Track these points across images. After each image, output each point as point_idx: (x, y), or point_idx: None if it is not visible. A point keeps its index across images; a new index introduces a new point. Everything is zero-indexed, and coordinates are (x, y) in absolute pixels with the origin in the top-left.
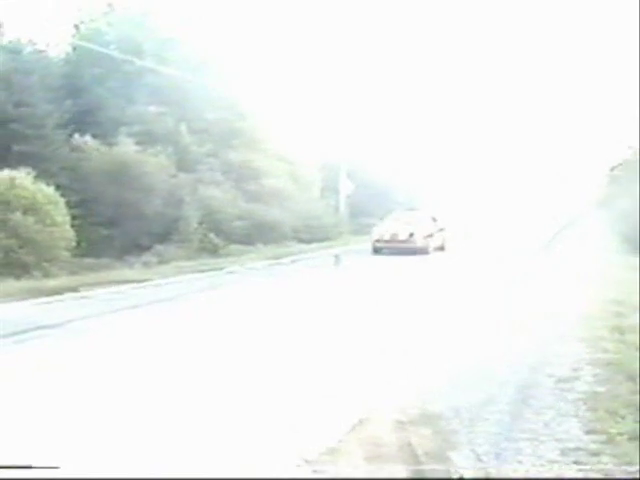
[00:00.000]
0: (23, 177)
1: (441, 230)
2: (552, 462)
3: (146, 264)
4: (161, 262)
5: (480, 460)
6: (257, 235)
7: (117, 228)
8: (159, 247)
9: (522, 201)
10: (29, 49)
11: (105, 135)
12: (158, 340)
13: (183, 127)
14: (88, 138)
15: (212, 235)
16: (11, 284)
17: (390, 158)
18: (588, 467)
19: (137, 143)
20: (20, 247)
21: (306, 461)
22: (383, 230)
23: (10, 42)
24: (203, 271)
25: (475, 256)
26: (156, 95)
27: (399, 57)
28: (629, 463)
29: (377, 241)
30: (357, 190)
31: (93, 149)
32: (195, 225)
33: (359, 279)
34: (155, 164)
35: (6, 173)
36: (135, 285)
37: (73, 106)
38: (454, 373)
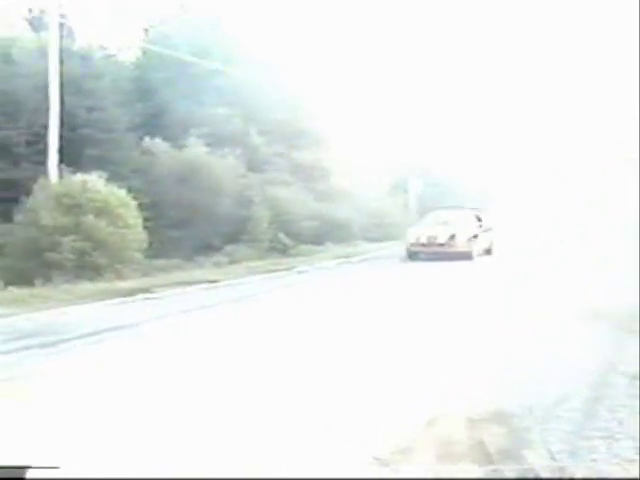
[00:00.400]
0: (95, 180)
1: (488, 231)
2: (630, 461)
3: (217, 265)
4: (231, 262)
5: (554, 459)
6: (326, 234)
7: (188, 229)
8: (229, 247)
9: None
10: (99, 54)
11: (175, 137)
12: (225, 339)
13: (252, 128)
14: (158, 141)
15: (282, 235)
16: (85, 286)
17: (460, 156)
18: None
19: (206, 145)
20: (93, 249)
21: (377, 459)
22: (419, 232)
23: (82, 48)
24: (273, 271)
25: (528, 261)
26: (225, 97)
27: (469, 56)
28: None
29: (412, 245)
30: (426, 188)
31: (163, 151)
32: (265, 225)
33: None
34: (224, 165)
35: (79, 177)
36: (205, 286)
37: (143, 109)
38: None
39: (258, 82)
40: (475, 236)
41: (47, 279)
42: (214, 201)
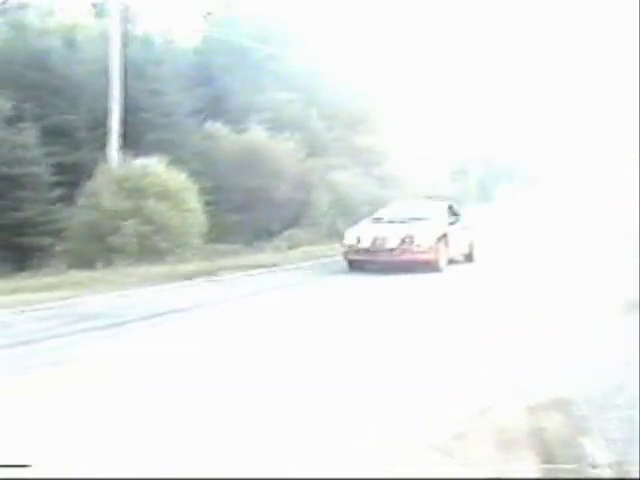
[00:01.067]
0: (156, 164)
1: (465, 229)
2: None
3: (276, 249)
4: (291, 247)
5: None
6: None
7: (248, 214)
8: (289, 232)
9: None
10: (161, 40)
11: (236, 122)
12: (280, 322)
13: (313, 112)
14: (219, 125)
15: (340, 220)
16: (147, 269)
17: (520, 141)
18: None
19: (267, 129)
20: (154, 233)
21: (433, 446)
22: (361, 231)
23: (144, 33)
24: (331, 256)
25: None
26: (286, 81)
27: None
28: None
29: (348, 252)
30: (486, 173)
31: (224, 136)
32: (324, 210)
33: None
34: (285, 149)
35: (140, 161)
36: (263, 270)
37: (204, 94)
38: None
39: (319, 67)
40: (443, 236)
41: (108, 262)
42: (274, 185)
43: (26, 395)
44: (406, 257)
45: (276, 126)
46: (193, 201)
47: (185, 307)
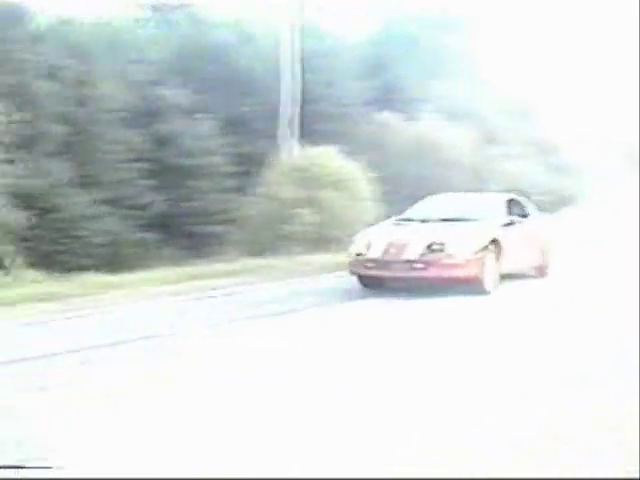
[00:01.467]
0: (332, 154)
1: (536, 232)
2: None
3: None
4: None
5: None
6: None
7: None
8: None
9: None
10: (335, 31)
11: (409, 111)
12: None
13: (485, 103)
14: (392, 115)
15: None
16: (324, 258)
17: None
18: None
19: (442, 119)
20: (328, 222)
21: None
22: (374, 235)
23: (318, 26)
24: None
25: None
26: (459, 71)
27: None
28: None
29: (355, 264)
30: None
31: (397, 125)
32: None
33: None
34: (458, 138)
35: (315, 150)
36: None
37: (379, 84)
38: None
39: (490, 57)
40: (493, 243)
41: (282, 251)
42: (449, 174)
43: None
44: (432, 273)
45: (451, 115)
46: (365, 190)
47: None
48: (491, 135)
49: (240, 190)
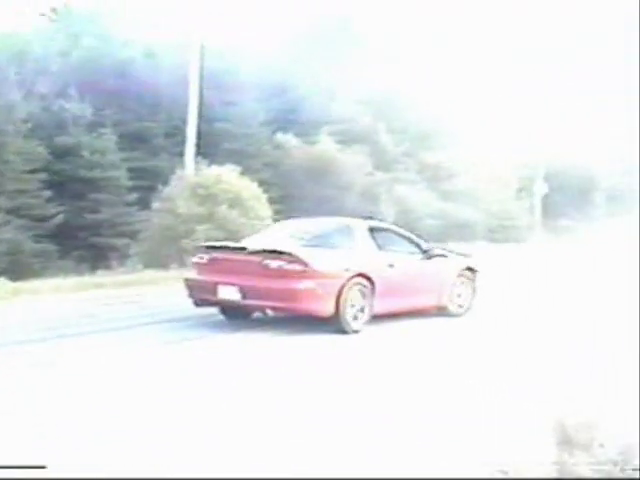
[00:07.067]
0: (229, 173)
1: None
2: None
3: None
4: None
5: None
6: (449, 234)
7: None
8: None
9: None
10: (235, 52)
11: (306, 134)
12: None
13: (381, 127)
14: (290, 136)
15: None
16: None
17: (588, 160)
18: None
19: (337, 142)
20: (226, 239)
21: None
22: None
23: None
24: None
25: None
26: (357, 95)
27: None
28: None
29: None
30: (553, 192)
31: (294, 147)
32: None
33: None
34: (353, 162)
35: (214, 169)
36: None
37: (278, 105)
38: None
39: (389, 82)
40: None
41: (182, 264)
42: (342, 196)
43: None
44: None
45: (346, 139)
46: (263, 209)
47: None
48: (386, 160)
49: (143, 204)
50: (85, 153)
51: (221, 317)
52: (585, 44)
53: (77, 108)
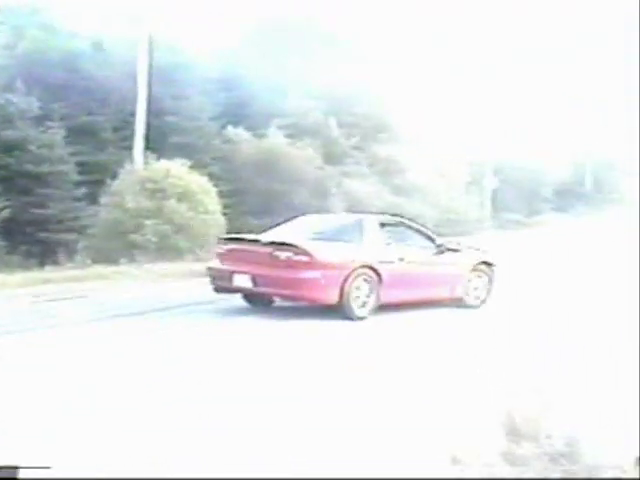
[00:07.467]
0: (178, 167)
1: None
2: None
3: None
4: None
5: None
6: None
7: (266, 217)
8: None
9: None
10: (187, 47)
11: (256, 127)
12: None
13: (332, 121)
14: (240, 130)
15: None
16: (166, 267)
17: (538, 155)
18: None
19: (287, 136)
20: (175, 233)
21: None
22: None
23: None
24: None
25: None
26: (307, 89)
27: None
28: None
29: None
30: (503, 186)
31: (244, 140)
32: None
33: None
34: (303, 156)
35: (162, 163)
36: None
37: (227, 99)
38: None
39: (340, 76)
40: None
41: (130, 259)
42: (292, 190)
43: None
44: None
45: (296, 133)
46: (213, 203)
47: (201, 301)
48: (336, 153)
49: (91, 199)
50: (32, 147)
51: (178, 309)
52: (530, 38)
53: (24, 102)
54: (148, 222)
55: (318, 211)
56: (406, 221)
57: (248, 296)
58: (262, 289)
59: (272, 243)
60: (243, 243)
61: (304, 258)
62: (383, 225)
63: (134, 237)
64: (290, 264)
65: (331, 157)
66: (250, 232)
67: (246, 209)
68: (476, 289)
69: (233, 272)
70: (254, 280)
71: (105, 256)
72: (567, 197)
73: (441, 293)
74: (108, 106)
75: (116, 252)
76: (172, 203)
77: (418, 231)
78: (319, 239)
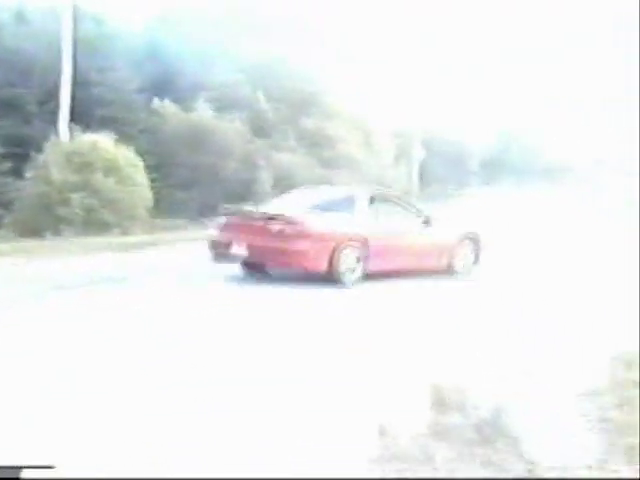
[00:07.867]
0: (105, 140)
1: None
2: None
3: None
4: None
5: None
6: None
7: (193, 190)
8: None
9: None
10: (111, 17)
11: (183, 100)
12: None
13: (260, 94)
14: (167, 103)
15: None
16: (92, 240)
17: (466, 126)
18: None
19: (215, 109)
20: (101, 206)
21: None
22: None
23: (95, 10)
24: None
25: None
26: (235, 63)
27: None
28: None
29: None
30: (430, 157)
31: (172, 113)
32: (268, 189)
33: None
34: (231, 129)
35: (89, 136)
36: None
37: (154, 71)
38: None
39: (268, 49)
40: None
41: (57, 232)
42: (220, 164)
43: None
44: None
45: (224, 106)
46: (140, 176)
47: (120, 276)
48: (264, 127)
49: (17, 173)
50: None
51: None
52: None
53: None
54: (74, 196)
55: (247, 183)
56: (396, 195)
57: (246, 265)
58: (256, 258)
59: (266, 214)
60: (241, 215)
61: (294, 229)
62: (373, 199)
63: (60, 210)
64: (281, 234)
65: (260, 130)
66: (177, 206)
67: (174, 182)
68: (463, 258)
69: (231, 242)
70: (249, 249)
71: (31, 230)
72: (495, 168)
73: (428, 263)
74: (32, 79)
75: (42, 226)
76: (99, 176)
77: (406, 204)
78: (311, 211)
